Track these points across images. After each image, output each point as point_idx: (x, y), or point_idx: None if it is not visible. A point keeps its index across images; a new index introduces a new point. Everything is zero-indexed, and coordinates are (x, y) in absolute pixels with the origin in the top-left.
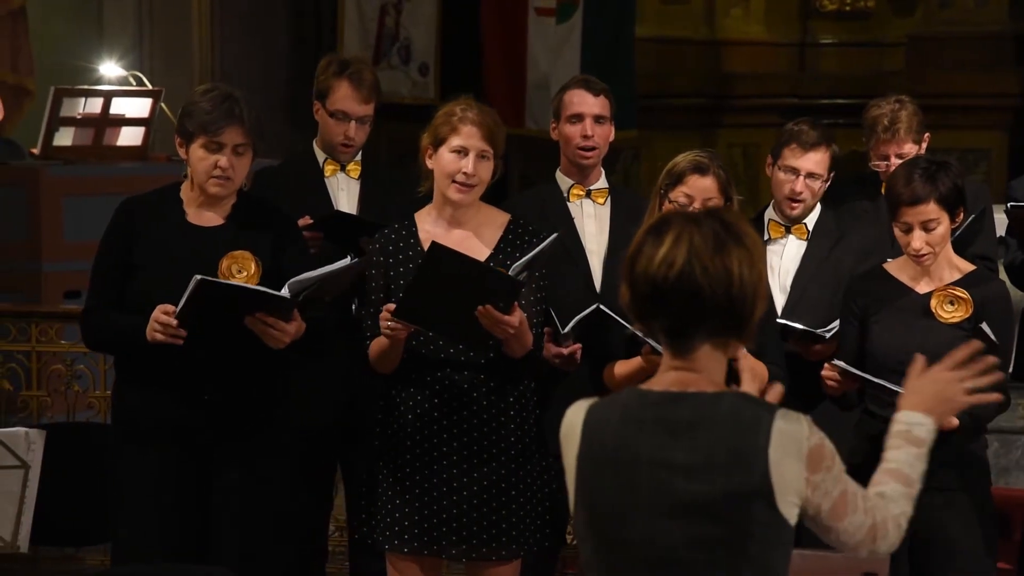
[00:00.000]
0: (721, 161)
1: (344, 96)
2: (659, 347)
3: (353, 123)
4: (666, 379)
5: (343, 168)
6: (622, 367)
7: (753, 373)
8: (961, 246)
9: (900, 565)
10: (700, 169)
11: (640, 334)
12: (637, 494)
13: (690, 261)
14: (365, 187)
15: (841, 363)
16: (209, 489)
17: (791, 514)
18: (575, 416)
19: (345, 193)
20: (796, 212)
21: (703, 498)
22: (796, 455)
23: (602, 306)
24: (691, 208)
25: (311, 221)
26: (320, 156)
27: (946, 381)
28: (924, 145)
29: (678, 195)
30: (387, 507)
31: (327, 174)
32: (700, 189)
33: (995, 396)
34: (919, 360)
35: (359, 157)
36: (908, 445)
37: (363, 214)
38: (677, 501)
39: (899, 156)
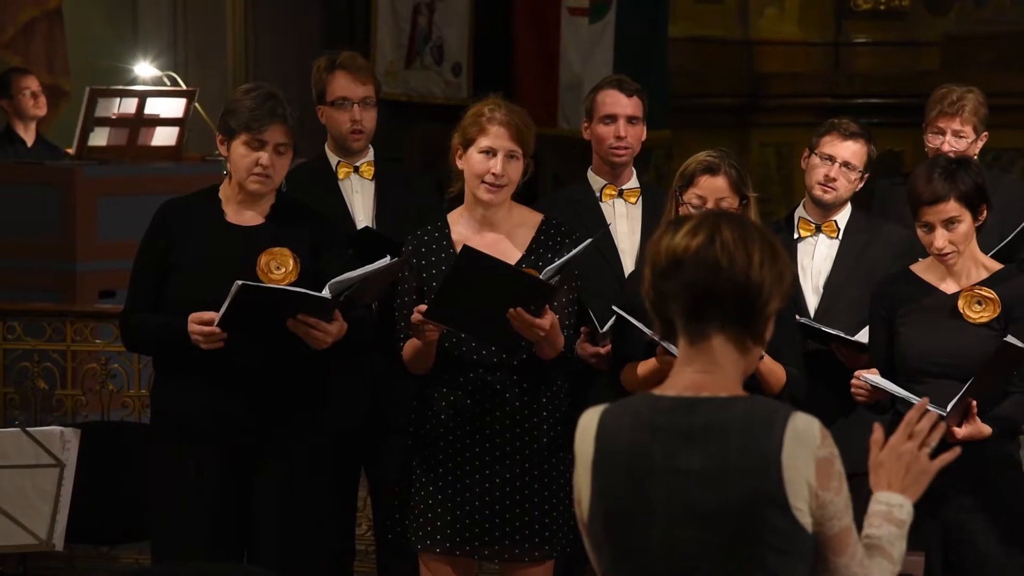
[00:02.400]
0: (734, 159)
1: (341, 84)
2: (672, 348)
3: (356, 106)
4: (680, 382)
5: (356, 170)
6: (642, 368)
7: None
8: (1010, 253)
9: (933, 567)
10: (711, 169)
11: (656, 337)
12: (652, 501)
13: (712, 239)
14: (379, 187)
15: (868, 376)
16: (248, 488)
17: (807, 522)
18: (588, 422)
19: (360, 195)
20: (828, 196)
21: (718, 504)
22: (807, 460)
23: (620, 310)
24: (704, 210)
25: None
26: (333, 159)
27: (909, 455)
28: (981, 143)
29: (691, 197)
30: (420, 507)
31: (340, 176)
32: (712, 189)
33: (954, 454)
34: (877, 431)
35: (371, 157)
36: (889, 524)
37: (379, 214)
38: (692, 508)
39: (955, 135)
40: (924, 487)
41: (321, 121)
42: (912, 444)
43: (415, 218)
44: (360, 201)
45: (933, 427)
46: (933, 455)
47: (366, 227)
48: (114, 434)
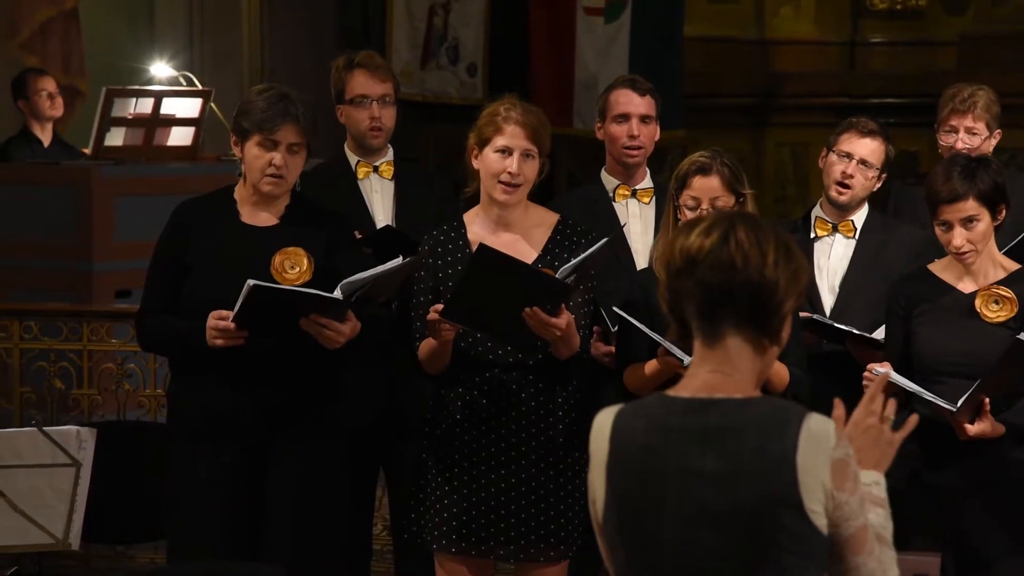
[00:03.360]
0: (728, 157)
1: (360, 82)
2: (674, 349)
3: (375, 103)
4: (694, 383)
5: (376, 170)
6: (647, 368)
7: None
8: (1022, 253)
9: (948, 567)
10: (703, 170)
11: (663, 341)
12: (666, 503)
13: (727, 237)
14: (399, 187)
15: (881, 371)
16: (262, 487)
17: (822, 524)
18: (603, 423)
19: (379, 195)
20: (844, 198)
21: (732, 507)
22: (822, 462)
23: (621, 311)
24: (700, 211)
25: (360, 236)
26: (352, 159)
27: (874, 429)
28: (994, 141)
29: (685, 199)
30: (435, 507)
31: (360, 176)
32: (705, 190)
33: (912, 421)
34: (838, 407)
35: (390, 157)
36: (875, 507)
37: (398, 214)
38: (706, 510)
39: (969, 132)
40: (891, 458)
41: (340, 120)
42: (874, 418)
43: (435, 217)
44: (380, 201)
45: (888, 398)
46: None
47: (387, 225)
48: (130, 434)
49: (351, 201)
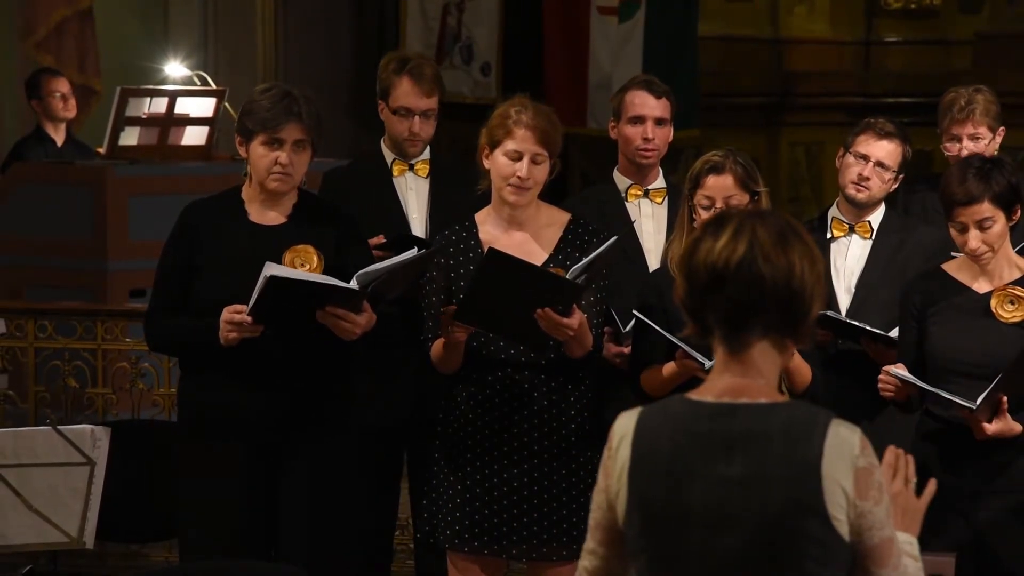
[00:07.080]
0: (741, 156)
1: (405, 92)
2: (693, 352)
3: (417, 118)
4: (718, 387)
5: (411, 167)
6: (665, 371)
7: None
8: None
9: (965, 568)
10: (715, 169)
11: (681, 344)
12: (690, 508)
13: (752, 250)
14: (434, 186)
15: (896, 371)
16: (276, 486)
17: (845, 532)
18: (625, 425)
19: (414, 192)
20: (862, 195)
21: (758, 513)
22: (846, 469)
23: (639, 313)
24: (714, 210)
25: (384, 240)
26: (388, 156)
27: (901, 496)
28: (999, 139)
29: (699, 198)
30: (447, 506)
31: (395, 173)
32: (718, 188)
33: (933, 486)
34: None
35: (427, 155)
36: (907, 557)
37: (432, 212)
38: (730, 516)
39: (972, 139)
40: (920, 523)
41: (380, 116)
42: (899, 483)
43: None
44: (414, 198)
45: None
46: (951, 461)
47: (410, 233)
48: (144, 432)
49: (385, 198)
